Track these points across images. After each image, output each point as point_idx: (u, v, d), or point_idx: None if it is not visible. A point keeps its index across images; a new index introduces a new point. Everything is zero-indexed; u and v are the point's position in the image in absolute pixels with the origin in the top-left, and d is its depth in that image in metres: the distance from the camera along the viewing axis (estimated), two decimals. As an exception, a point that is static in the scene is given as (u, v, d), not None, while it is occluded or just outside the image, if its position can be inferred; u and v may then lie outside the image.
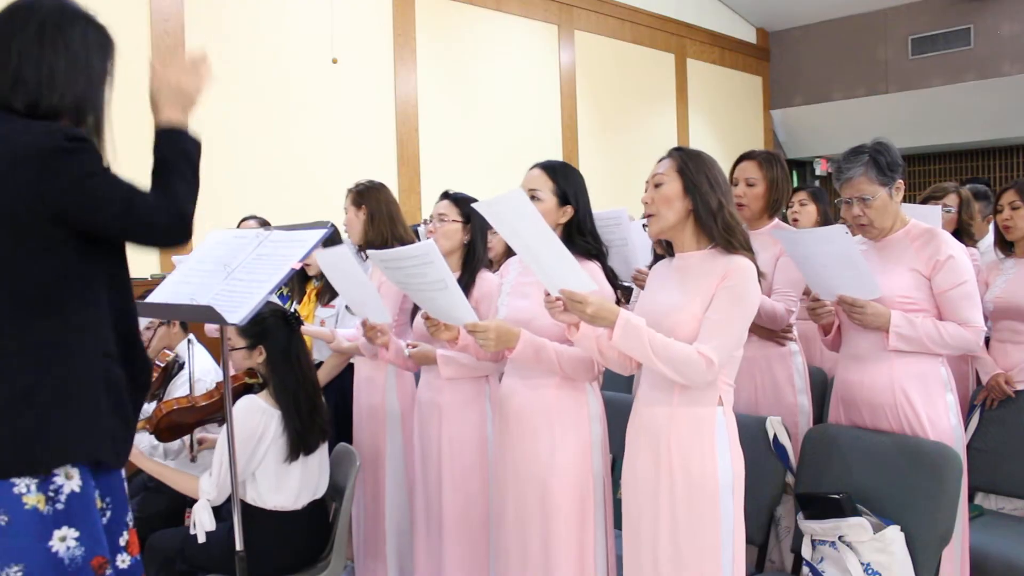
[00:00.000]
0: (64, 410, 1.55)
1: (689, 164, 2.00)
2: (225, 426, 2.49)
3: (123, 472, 1.71)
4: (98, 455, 1.59)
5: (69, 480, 1.55)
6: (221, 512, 2.80)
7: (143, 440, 2.96)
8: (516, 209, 1.85)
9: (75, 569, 1.54)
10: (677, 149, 2.07)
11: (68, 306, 1.58)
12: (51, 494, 1.53)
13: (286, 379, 2.57)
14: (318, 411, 2.62)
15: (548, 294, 1.98)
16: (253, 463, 2.51)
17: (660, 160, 2.07)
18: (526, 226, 1.86)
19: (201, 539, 2.44)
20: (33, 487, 1.51)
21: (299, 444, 2.55)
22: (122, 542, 1.67)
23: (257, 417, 2.51)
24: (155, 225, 1.58)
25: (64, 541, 1.54)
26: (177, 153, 1.66)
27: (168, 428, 2.68)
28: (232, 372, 2.75)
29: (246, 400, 2.54)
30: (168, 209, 1.59)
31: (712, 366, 1.88)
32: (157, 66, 1.72)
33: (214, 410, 2.70)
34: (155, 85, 1.70)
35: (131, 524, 1.71)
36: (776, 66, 9.87)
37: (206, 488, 2.47)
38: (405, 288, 2.28)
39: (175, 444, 3.07)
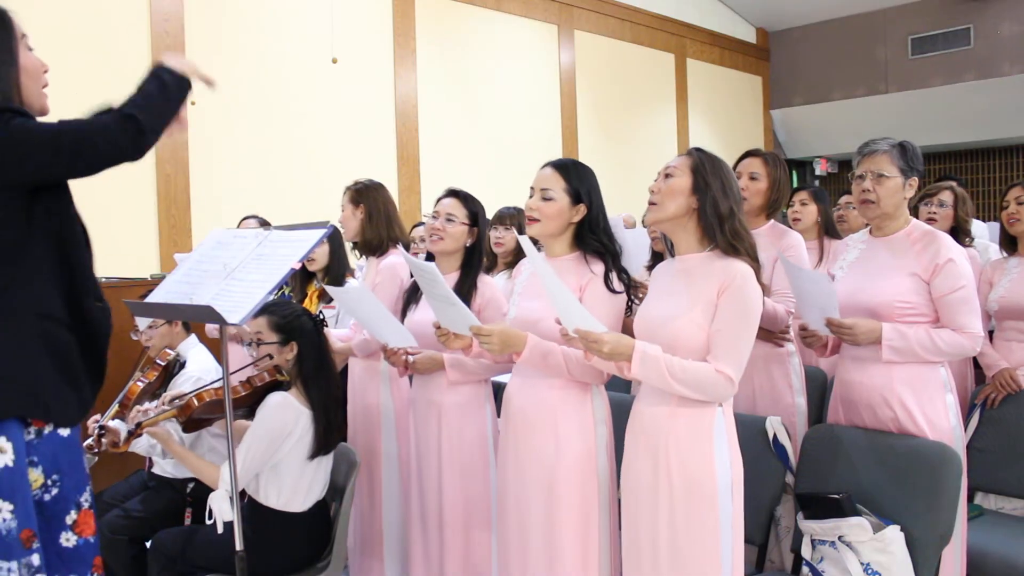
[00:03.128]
0: None
1: (704, 164, 1.99)
2: (258, 419, 2.51)
3: (81, 448, 1.75)
4: (28, 411, 1.62)
5: (2, 454, 1.58)
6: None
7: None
8: (527, 251, 1.87)
9: (11, 540, 1.57)
10: (696, 149, 2.07)
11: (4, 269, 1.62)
12: None
13: (316, 377, 2.60)
14: (340, 411, 2.67)
15: (560, 324, 1.98)
16: (276, 458, 2.53)
17: (678, 156, 2.07)
18: (538, 266, 1.88)
19: (220, 529, 2.44)
20: None
21: (323, 443, 2.58)
22: (68, 520, 1.69)
23: (290, 413, 2.53)
24: (97, 145, 1.60)
25: (0, 513, 1.57)
26: (154, 81, 1.72)
27: (197, 420, 2.70)
28: (256, 370, 2.76)
29: (280, 395, 2.56)
30: (110, 124, 1.62)
31: (732, 383, 1.90)
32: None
33: (243, 403, 2.72)
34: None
35: (86, 505, 1.72)
36: (776, 66, 9.88)
37: (227, 478, 2.48)
38: (424, 293, 2.32)
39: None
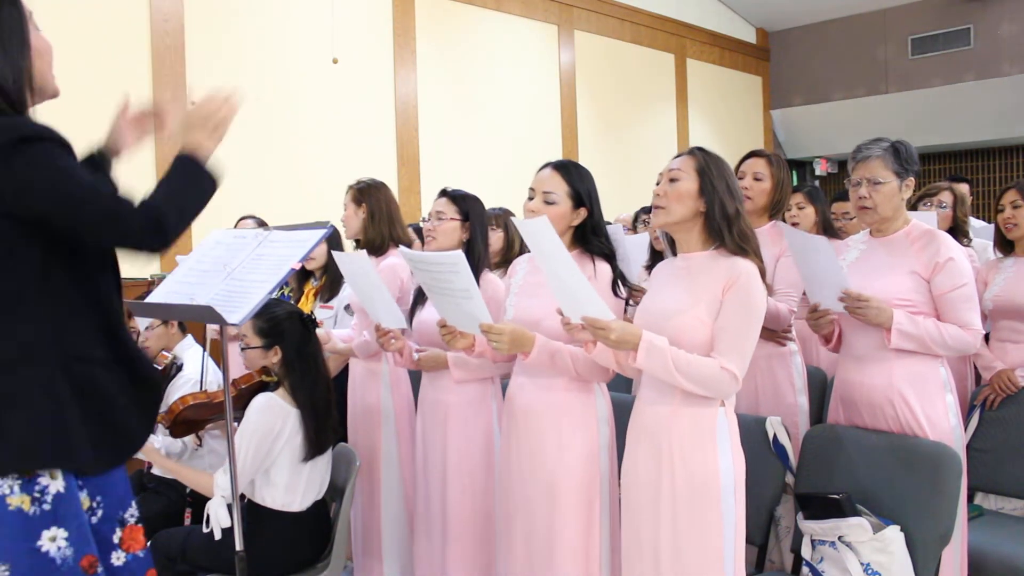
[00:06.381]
0: (15, 416, 1.53)
1: (710, 166, 1.98)
2: (245, 423, 2.50)
3: (122, 469, 1.70)
4: (60, 463, 1.56)
5: (54, 480, 1.55)
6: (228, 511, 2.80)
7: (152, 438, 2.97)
8: (542, 235, 1.85)
9: (67, 569, 1.54)
10: (698, 148, 2.05)
11: (22, 309, 1.55)
12: (36, 495, 1.53)
13: (303, 379, 2.59)
14: (332, 412, 2.65)
15: (562, 315, 1.96)
16: (268, 460, 2.52)
17: (678, 156, 2.05)
18: (551, 251, 1.85)
19: (218, 535, 2.44)
20: (16, 488, 1.52)
21: (315, 444, 2.56)
22: (115, 539, 1.66)
23: (275, 414, 2.52)
24: (120, 224, 1.54)
25: (55, 541, 1.54)
26: (181, 173, 1.67)
27: (184, 423, 2.69)
28: (245, 371, 2.75)
29: (264, 397, 2.55)
30: (142, 212, 1.55)
31: (736, 380, 1.90)
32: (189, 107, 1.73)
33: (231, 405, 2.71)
34: (184, 117, 1.72)
35: (131, 520, 1.70)
36: (776, 66, 9.87)
37: (222, 484, 2.48)
38: (428, 290, 2.29)
39: (177, 445, 3.08)
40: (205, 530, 2.47)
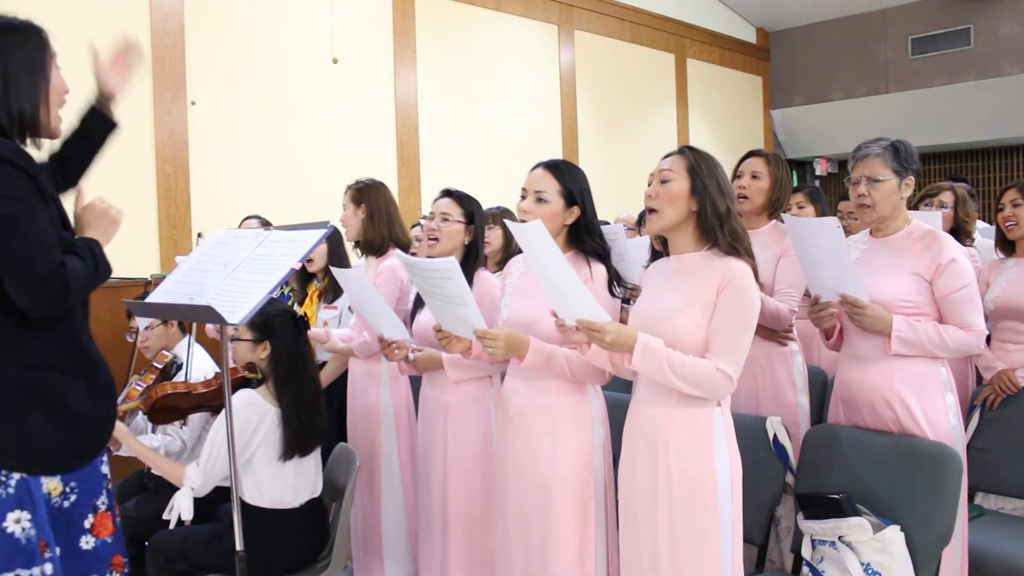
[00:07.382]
0: None
1: (701, 165, 1.97)
2: (221, 418, 2.50)
3: (101, 458, 1.79)
4: (20, 467, 1.65)
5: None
6: (219, 512, 2.80)
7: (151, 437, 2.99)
8: (535, 239, 1.84)
9: (31, 548, 1.65)
10: (688, 148, 2.04)
11: None
12: (1, 479, 1.63)
13: (289, 379, 2.57)
14: (319, 414, 2.62)
15: (556, 316, 1.96)
16: (243, 456, 2.51)
17: (667, 156, 2.03)
18: (545, 255, 1.85)
19: (173, 524, 2.47)
20: None
21: (295, 444, 2.54)
22: (86, 524, 1.77)
23: (253, 410, 2.51)
24: (32, 280, 1.60)
25: (19, 523, 1.64)
26: (87, 252, 1.75)
27: (163, 410, 2.69)
28: (232, 364, 2.75)
29: (243, 393, 2.55)
30: (56, 275, 1.62)
31: (731, 381, 1.89)
32: (88, 199, 1.85)
33: (210, 398, 2.71)
34: (83, 215, 1.84)
35: (103, 508, 1.79)
36: (776, 66, 9.87)
37: (192, 476, 2.49)
38: (424, 295, 2.29)
39: (176, 444, 3.07)
40: (164, 517, 2.49)
